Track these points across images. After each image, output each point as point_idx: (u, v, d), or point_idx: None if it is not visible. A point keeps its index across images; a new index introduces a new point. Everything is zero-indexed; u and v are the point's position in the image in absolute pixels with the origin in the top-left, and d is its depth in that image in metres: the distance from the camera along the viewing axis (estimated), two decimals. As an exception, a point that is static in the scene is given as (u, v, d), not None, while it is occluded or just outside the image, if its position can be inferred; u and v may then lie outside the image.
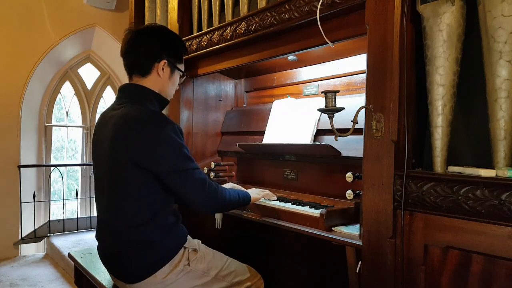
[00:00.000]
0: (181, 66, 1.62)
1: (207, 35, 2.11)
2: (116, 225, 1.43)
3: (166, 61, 1.52)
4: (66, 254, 2.37)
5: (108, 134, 1.44)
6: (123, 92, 1.54)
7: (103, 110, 1.59)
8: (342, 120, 1.66)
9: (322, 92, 1.38)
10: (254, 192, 1.74)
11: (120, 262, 1.45)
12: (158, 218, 1.42)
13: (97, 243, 1.57)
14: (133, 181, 1.38)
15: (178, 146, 1.39)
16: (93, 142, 1.57)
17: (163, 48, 1.52)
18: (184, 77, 1.66)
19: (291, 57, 2.02)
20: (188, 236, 1.54)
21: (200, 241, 1.59)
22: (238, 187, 1.76)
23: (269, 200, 1.81)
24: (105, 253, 1.52)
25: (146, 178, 1.38)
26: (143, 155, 1.35)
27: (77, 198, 4.42)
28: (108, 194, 1.46)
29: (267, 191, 1.84)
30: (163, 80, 1.54)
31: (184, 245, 1.49)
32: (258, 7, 1.82)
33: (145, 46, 1.50)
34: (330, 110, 1.36)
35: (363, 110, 1.30)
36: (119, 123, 1.41)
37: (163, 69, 1.52)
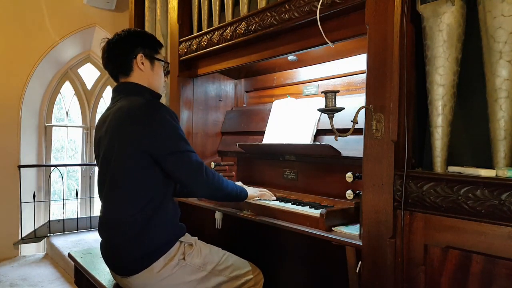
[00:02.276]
0: (159, 56, 1.64)
1: (207, 35, 2.11)
2: (115, 214, 1.46)
3: (142, 54, 1.57)
4: (66, 254, 2.37)
5: (107, 128, 1.48)
6: (116, 92, 1.60)
7: (103, 110, 1.63)
8: (342, 120, 1.66)
9: (322, 92, 1.38)
10: (251, 190, 1.77)
11: (116, 254, 1.47)
12: (155, 208, 1.44)
13: (99, 241, 1.58)
14: (133, 168, 1.41)
15: (174, 128, 1.43)
16: (95, 141, 1.60)
17: (135, 43, 1.57)
18: (167, 66, 1.71)
19: (291, 57, 2.02)
20: (187, 233, 1.55)
21: (196, 238, 1.60)
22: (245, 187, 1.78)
23: (269, 200, 1.81)
24: (105, 246, 1.54)
25: (145, 165, 1.41)
26: (141, 138, 1.39)
27: (77, 198, 4.42)
28: (110, 184, 1.48)
29: (264, 190, 1.84)
30: (146, 73, 1.58)
31: (180, 239, 1.50)
32: (258, 7, 1.82)
33: (118, 48, 1.56)
34: (330, 110, 1.36)
35: (363, 110, 1.30)
36: (116, 114, 1.46)
37: (142, 63, 1.57)
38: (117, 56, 1.56)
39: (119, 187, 1.44)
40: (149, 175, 1.42)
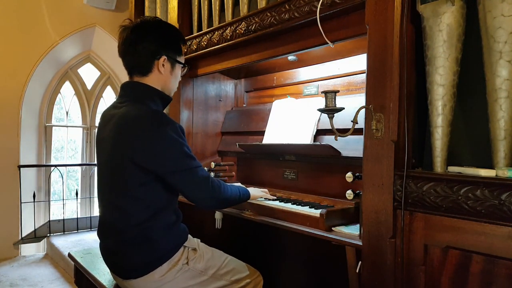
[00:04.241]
0: (181, 58, 1.59)
1: (207, 35, 2.11)
2: (117, 224, 1.44)
3: (166, 57, 1.50)
4: (66, 254, 2.37)
5: (109, 134, 1.44)
6: (125, 90, 1.52)
7: (104, 109, 1.60)
8: (342, 120, 1.66)
9: (322, 92, 1.38)
10: (253, 190, 1.76)
11: (119, 259, 1.46)
12: (159, 217, 1.42)
13: (99, 241, 1.57)
14: (133, 181, 1.38)
15: (179, 146, 1.38)
16: (96, 140, 1.57)
17: (161, 44, 1.49)
18: (186, 69, 1.64)
19: (291, 57, 2.02)
20: (189, 235, 1.54)
21: (199, 240, 1.59)
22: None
23: (269, 200, 1.81)
24: (106, 250, 1.53)
25: (147, 178, 1.38)
26: (144, 156, 1.35)
27: (77, 198, 4.42)
28: (109, 193, 1.46)
29: (265, 191, 1.85)
30: (164, 76, 1.52)
31: (184, 244, 1.49)
32: (258, 7, 1.82)
33: (142, 45, 1.46)
34: (330, 110, 1.36)
35: (363, 110, 1.30)
36: (120, 122, 1.41)
37: (163, 65, 1.50)
38: (138, 54, 1.47)
39: (122, 199, 1.41)
40: (153, 188, 1.40)
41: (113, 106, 1.53)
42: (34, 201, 4.05)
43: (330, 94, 1.35)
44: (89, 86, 4.71)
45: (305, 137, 1.93)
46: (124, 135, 1.38)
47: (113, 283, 1.63)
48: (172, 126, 1.38)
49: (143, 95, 1.48)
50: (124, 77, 1.59)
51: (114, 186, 1.44)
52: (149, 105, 1.45)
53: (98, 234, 1.56)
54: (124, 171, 1.38)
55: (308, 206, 1.65)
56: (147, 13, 2.75)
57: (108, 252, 1.52)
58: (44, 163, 4.34)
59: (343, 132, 1.36)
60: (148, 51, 1.47)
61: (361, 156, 1.33)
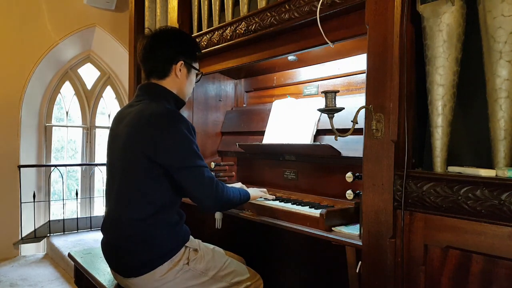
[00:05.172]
0: (196, 65, 1.67)
1: (207, 35, 2.11)
2: (122, 217, 1.46)
3: (183, 62, 1.57)
4: (66, 254, 2.37)
5: (124, 128, 1.48)
6: (142, 91, 1.58)
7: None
8: (342, 120, 1.66)
9: (322, 92, 1.38)
10: (253, 190, 1.77)
11: (120, 255, 1.47)
12: (163, 215, 1.44)
13: (99, 240, 1.58)
14: (143, 175, 1.41)
15: (189, 143, 1.42)
16: (109, 136, 1.61)
17: (178, 50, 1.57)
18: (201, 75, 1.72)
19: (291, 57, 2.02)
20: (190, 236, 1.55)
21: (200, 241, 1.60)
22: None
23: (268, 199, 1.81)
24: (108, 246, 1.54)
25: (156, 173, 1.41)
26: (156, 149, 1.39)
27: (77, 198, 4.42)
28: (119, 186, 1.49)
29: (265, 190, 1.85)
30: (180, 80, 1.59)
31: (186, 245, 1.50)
32: (258, 7, 1.82)
33: (162, 50, 1.55)
34: (330, 110, 1.36)
35: (363, 110, 1.30)
36: (136, 118, 1.45)
37: (180, 70, 1.57)
38: (158, 58, 1.55)
39: (129, 191, 1.44)
40: (160, 184, 1.43)
41: (129, 105, 1.59)
42: (34, 201, 4.05)
43: (330, 94, 1.35)
44: (89, 86, 4.71)
45: (305, 137, 1.93)
46: (139, 130, 1.43)
47: (113, 283, 1.63)
48: (185, 124, 1.43)
49: (159, 95, 1.54)
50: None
51: (123, 180, 1.46)
52: (164, 104, 1.50)
53: (102, 229, 1.57)
54: (136, 165, 1.42)
55: (308, 206, 1.65)
56: (147, 13, 2.75)
57: (109, 248, 1.53)
58: (44, 163, 4.34)
59: (343, 132, 1.36)
60: (167, 55, 1.55)
61: (361, 156, 1.33)
